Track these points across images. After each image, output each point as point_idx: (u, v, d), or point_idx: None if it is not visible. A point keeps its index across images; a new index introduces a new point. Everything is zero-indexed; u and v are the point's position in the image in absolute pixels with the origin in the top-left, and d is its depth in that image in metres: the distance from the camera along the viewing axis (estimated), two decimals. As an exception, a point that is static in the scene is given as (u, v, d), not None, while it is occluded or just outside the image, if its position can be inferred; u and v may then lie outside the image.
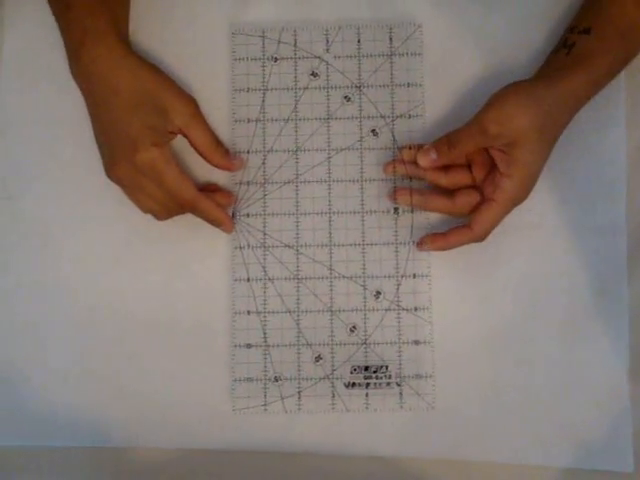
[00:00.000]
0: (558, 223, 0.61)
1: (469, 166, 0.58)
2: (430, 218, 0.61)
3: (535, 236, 0.61)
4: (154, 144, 0.55)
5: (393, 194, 0.60)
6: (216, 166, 0.59)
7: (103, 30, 0.56)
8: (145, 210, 0.58)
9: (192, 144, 0.58)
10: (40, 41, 0.63)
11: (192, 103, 0.58)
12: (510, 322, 0.60)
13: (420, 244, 0.59)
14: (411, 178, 0.60)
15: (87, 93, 0.58)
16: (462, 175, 0.58)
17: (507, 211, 0.57)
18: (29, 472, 0.60)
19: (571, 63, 0.57)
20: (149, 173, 0.55)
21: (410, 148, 0.59)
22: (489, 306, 0.60)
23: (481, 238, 0.57)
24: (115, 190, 0.58)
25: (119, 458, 0.60)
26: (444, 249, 0.58)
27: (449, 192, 0.58)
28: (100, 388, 0.60)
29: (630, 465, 0.59)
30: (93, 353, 0.60)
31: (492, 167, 0.57)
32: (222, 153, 0.59)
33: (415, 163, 0.58)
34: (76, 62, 0.57)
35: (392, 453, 0.59)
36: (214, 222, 0.58)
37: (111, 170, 0.56)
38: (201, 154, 0.59)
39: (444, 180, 0.58)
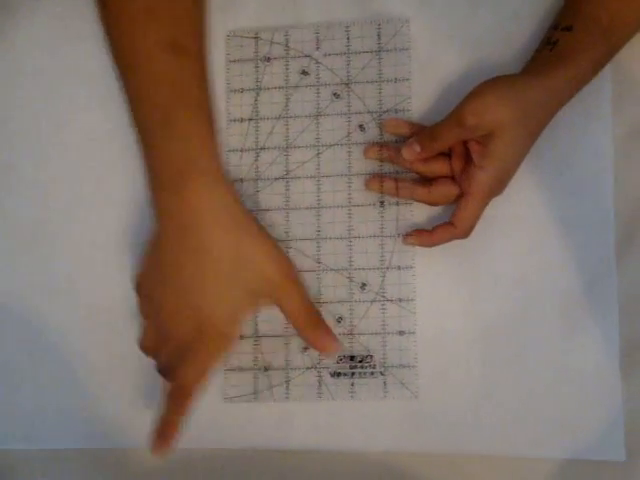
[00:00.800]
0: (545, 215, 0.61)
1: (449, 156, 0.59)
2: (415, 212, 0.61)
3: (522, 228, 0.61)
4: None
5: (366, 181, 0.61)
6: (308, 342, 0.56)
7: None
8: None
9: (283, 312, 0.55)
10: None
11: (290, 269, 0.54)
12: (499, 313, 0.60)
13: (406, 237, 0.60)
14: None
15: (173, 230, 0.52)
16: (441, 165, 0.59)
17: (483, 204, 0.57)
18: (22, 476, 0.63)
19: (554, 59, 0.57)
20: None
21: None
22: (476, 298, 0.60)
23: (465, 234, 0.58)
24: (104, 192, 0.62)
25: (111, 459, 0.62)
26: (429, 246, 0.59)
27: (427, 181, 0.59)
28: (89, 387, 0.62)
29: (622, 454, 0.58)
30: (84, 351, 0.63)
31: (469, 159, 0.57)
32: (315, 325, 0.56)
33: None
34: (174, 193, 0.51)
35: (379, 446, 0.60)
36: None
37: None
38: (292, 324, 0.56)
39: (422, 168, 0.59)
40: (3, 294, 0.64)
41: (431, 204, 0.59)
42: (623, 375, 0.59)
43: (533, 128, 0.56)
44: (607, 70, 0.60)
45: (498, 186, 0.57)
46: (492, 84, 0.56)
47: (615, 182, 0.60)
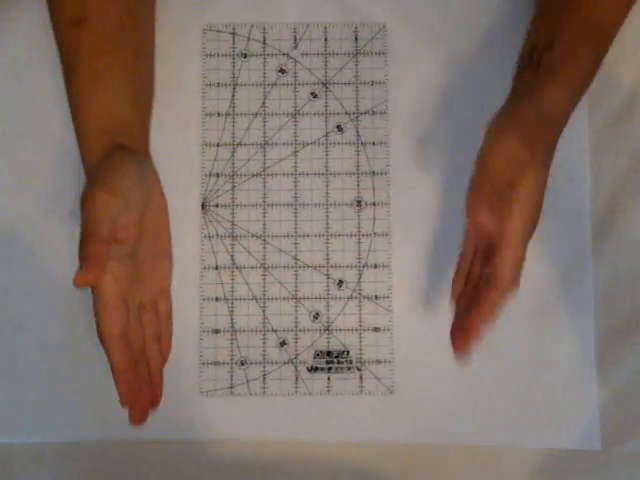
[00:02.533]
0: None
1: None
2: (392, 211, 0.63)
3: None
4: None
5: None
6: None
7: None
8: None
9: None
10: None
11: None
12: None
13: (457, 346, 0.55)
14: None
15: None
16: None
17: (525, 247, 0.54)
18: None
19: (544, 79, 0.55)
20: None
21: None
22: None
23: (516, 283, 0.54)
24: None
25: (90, 452, 0.61)
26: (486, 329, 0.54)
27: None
28: (68, 380, 0.61)
29: (597, 444, 0.60)
30: (64, 346, 0.62)
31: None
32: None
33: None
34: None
35: (356, 439, 0.61)
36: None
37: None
38: None
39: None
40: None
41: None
42: (598, 366, 0.61)
43: (548, 156, 0.55)
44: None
45: (534, 225, 0.55)
46: (499, 129, 0.54)
47: (591, 175, 0.63)
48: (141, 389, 0.56)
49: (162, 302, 0.60)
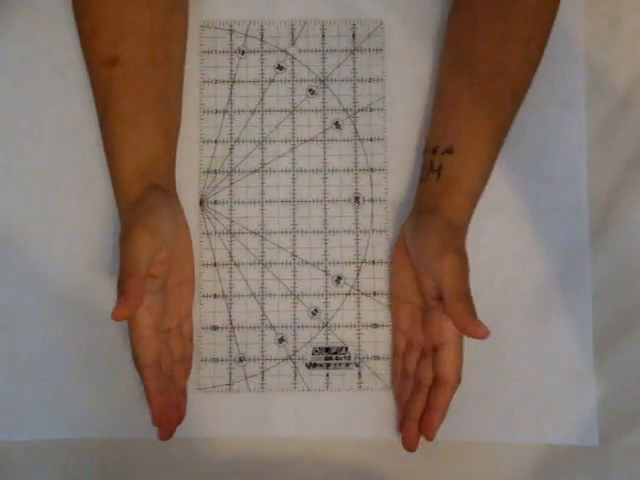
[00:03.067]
0: (521, 203, 0.63)
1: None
2: (389, 208, 0.63)
3: (497, 216, 0.63)
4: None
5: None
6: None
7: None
8: None
9: None
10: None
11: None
12: (475, 302, 0.62)
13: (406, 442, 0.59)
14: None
15: None
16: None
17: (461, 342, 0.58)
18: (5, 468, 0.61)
19: (444, 188, 0.58)
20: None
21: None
22: None
23: (459, 381, 0.58)
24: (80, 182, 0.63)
25: (90, 450, 0.61)
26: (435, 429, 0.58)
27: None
28: (68, 378, 0.61)
29: (595, 439, 0.61)
30: (66, 345, 0.62)
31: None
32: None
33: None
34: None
35: (354, 435, 0.61)
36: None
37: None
38: None
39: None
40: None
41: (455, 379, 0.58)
42: (596, 361, 0.62)
43: (462, 246, 0.58)
44: (581, 62, 0.64)
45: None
46: (406, 233, 0.60)
47: (589, 171, 0.63)
48: (169, 410, 0.58)
49: (186, 325, 0.61)
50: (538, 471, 0.61)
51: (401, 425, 0.60)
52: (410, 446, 0.59)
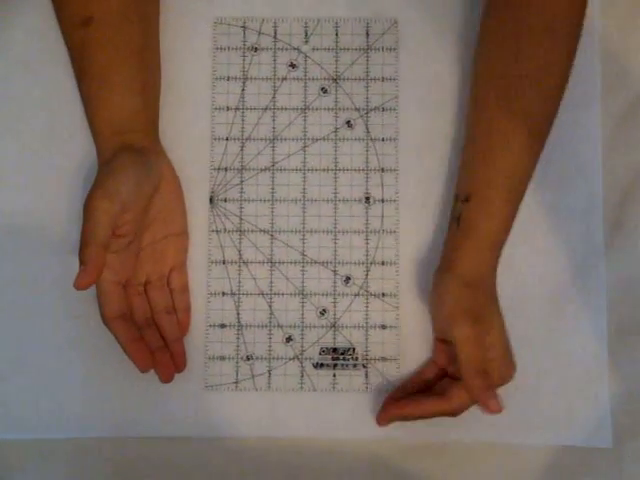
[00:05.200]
0: (535, 204, 0.62)
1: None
2: (400, 209, 0.63)
3: None
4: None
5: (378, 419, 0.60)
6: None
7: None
8: None
9: None
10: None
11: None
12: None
13: (381, 417, 0.59)
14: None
15: None
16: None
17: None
18: (13, 465, 0.61)
19: (462, 238, 0.57)
20: None
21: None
22: None
23: (456, 413, 0.57)
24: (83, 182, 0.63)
25: (99, 449, 0.61)
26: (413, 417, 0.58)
27: (438, 392, 0.59)
28: (80, 377, 0.61)
29: (609, 441, 0.60)
30: (75, 342, 0.62)
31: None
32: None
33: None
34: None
35: (361, 435, 0.61)
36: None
37: None
38: None
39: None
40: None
41: (448, 415, 0.58)
42: (610, 362, 0.61)
43: (494, 302, 0.58)
44: (596, 62, 0.63)
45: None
46: (434, 289, 0.59)
47: (604, 170, 0.63)
48: (155, 355, 0.58)
49: (175, 278, 0.61)
50: (551, 472, 0.60)
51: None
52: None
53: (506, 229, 0.58)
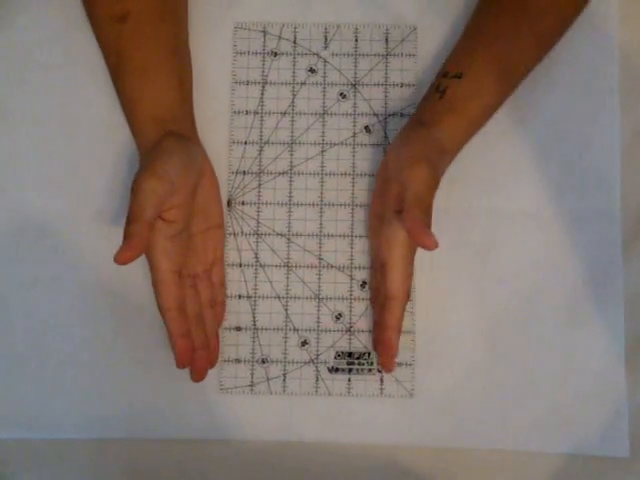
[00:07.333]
0: (553, 211, 0.62)
1: None
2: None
3: (530, 225, 0.62)
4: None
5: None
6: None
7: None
8: None
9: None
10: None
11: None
12: (505, 311, 0.61)
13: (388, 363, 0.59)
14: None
15: None
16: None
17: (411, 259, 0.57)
18: (28, 465, 0.61)
19: (445, 108, 0.58)
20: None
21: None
22: (479, 295, 0.62)
23: (408, 296, 0.58)
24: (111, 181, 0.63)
25: (112, 450, 0.61)
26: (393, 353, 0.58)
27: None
28: (95, 378, 0.62)
29: (626, 450, 0.60)
30: (91, 343, 0.62)
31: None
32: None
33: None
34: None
35: (375, 440, 0.61)
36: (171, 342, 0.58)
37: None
38: None
39: None
40: (9, 283, 0.63)
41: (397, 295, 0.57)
42: (628, 371, 0.61)
43: (436, 177, 0.56)
44: (615, 68, 0.63)
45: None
46: (409, 154, 0.57)
47: (622, 179, 0.63)
48: (197, 352, 0.58)
49: (215, 271, 0.62)
50: (567, 481, 0.60)
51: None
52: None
53: (490, 112, 0.59)
